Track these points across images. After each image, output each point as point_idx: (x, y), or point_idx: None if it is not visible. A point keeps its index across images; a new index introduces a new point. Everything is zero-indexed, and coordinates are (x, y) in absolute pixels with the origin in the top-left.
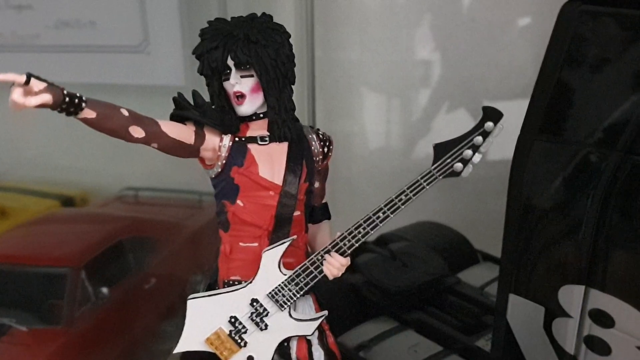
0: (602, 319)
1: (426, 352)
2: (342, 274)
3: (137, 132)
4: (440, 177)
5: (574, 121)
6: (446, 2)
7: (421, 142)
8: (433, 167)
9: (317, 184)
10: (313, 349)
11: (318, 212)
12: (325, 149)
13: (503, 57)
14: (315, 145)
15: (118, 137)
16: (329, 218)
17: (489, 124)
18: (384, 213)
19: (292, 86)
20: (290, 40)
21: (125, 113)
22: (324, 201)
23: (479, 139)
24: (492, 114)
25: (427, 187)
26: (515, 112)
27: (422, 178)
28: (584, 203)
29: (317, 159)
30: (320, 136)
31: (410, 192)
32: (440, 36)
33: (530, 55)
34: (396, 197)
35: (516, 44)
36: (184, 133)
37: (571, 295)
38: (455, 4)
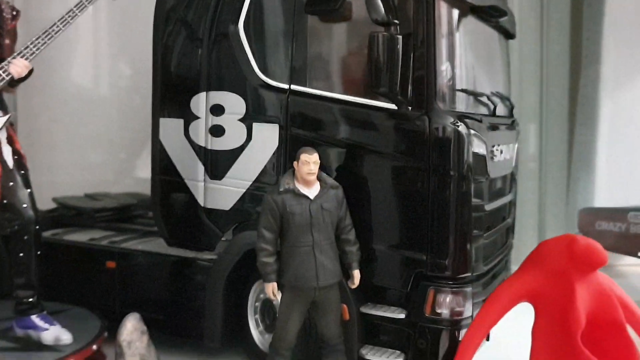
0: (218, 110)
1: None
2: None
3: None
4: None
5: None
6: None
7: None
8: None
9: (7, 41)
10: (2, 146)
11: None
12: (14, 13)
13: None
14: (6, 6)
15: None
16: None
17: None
18: (57, 27)
19: None
20: None
21: None
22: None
23: None
24: None
25: (88, 5)
26: None
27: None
28: (204, 24)
29: (7, 16)
30: (10, 4)
31: (77, 10)
32: None
33: None
34: (67, 14)
35: None
36: None
37: (198, 101)
38: None
